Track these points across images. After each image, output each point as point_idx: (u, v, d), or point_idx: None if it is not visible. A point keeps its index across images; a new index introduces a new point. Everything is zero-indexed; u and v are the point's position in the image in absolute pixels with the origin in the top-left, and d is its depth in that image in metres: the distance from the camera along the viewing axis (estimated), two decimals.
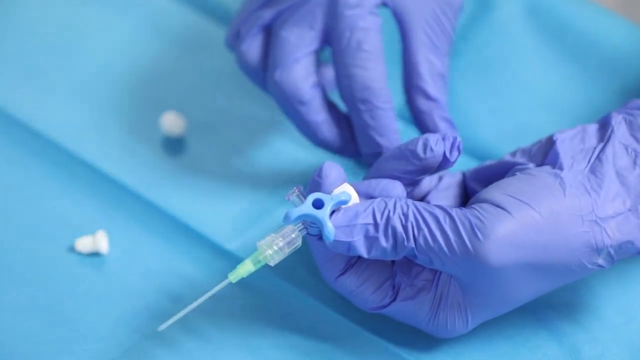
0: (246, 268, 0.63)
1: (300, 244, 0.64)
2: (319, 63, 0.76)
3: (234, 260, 0.74)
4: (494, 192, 0.63)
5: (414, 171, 0.66)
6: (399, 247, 0.63)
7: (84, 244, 0.75)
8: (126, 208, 0.77)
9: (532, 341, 0.69)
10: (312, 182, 0.64)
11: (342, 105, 0.76)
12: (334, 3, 0.73)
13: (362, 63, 0.72)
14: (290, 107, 0.74)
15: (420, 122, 0.74)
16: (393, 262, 0.66)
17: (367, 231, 0.63)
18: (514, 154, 0.68)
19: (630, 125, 0.65)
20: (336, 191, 0.63)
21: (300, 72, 0.73)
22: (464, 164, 0.77)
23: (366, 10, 0.73)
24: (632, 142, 0.65)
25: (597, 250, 0.62)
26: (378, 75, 0.72)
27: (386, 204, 0.63)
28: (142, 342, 0.71)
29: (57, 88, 0.84)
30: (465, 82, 0.83)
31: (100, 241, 0.75)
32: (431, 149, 0.65)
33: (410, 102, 0.75)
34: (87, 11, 0.88)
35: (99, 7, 0.88)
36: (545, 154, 0.66)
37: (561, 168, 0.64)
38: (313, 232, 0.64)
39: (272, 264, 0.64)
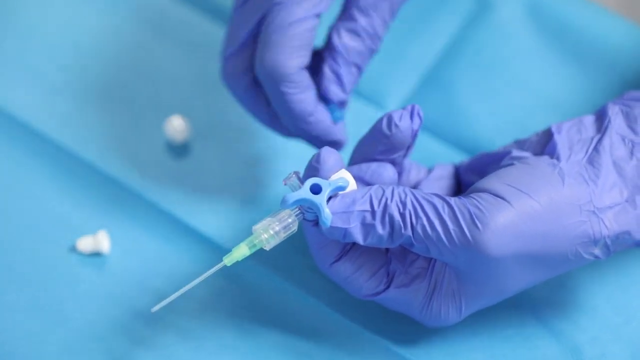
0: (241, 251, 0.63)
1: (296, 229, 0.63)
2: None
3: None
4: (493, 181, 0.63)
5: (386, 150, 0.66)
6: (395, 235, 0.62)
7: (85, 244, 0.74)
8: (127, 208, 0.77)
9: (531, 341, 0.70)
10: (310, 168, 0.63)
11: None
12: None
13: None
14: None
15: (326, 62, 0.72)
16: (387, 249, 0.66)
17: (364, 218, 0.62)
18: (509, 146, 0.68)
19: (627, 116, 0.66)
20: (334, 177, 0.63)
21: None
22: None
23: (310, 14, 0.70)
24: (629, 132, 0.65)
25: (594, 241, 0.62)
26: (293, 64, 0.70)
27: (384, 191, 0.63)
28: (142, 343, 0.70)
29: (58, 88, 0.83)
30: (465, 82, 0.83)
31: (101, 241, 0.74)
32: (395, 125, 0.65)
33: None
34: (88, 12, 0.87)
35: (101, 8, 0.87)
36: (542, 145, 0.66)
37: (559, 159, 0.64)
38: (309, 217, 0.63)
39: (267, 248, 0.63)
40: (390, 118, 0.65)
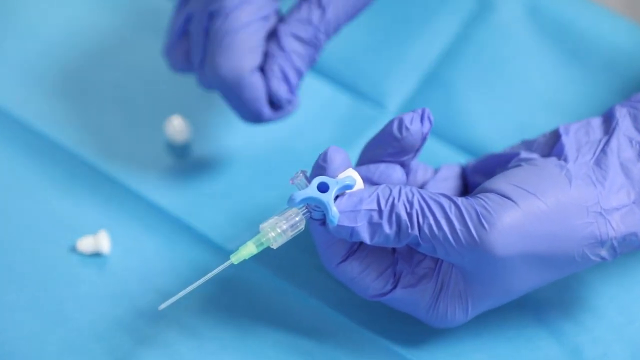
0: (248, 250, 0.63)
1: (303, 228, 0.63)
2: None
3: None
4: (499, 182, 0.63)
5: (395, 153, 0.66)
6: (402, 234, 0.62)
7: (85, 244, 0.74)
8: (128, 208, 0.76)
9: (533, 342, 0.70)
10: (317, 167, 0.63)
11: None
12: None
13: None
14: None
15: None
16: (394, 249, 0.66)
17: (371, 217, 0.62)
18: (517, 147, 0.68)
19: (635, 118, 0.66)
20: (341, 176, 0.63)
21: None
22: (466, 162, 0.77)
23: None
24: (637, 135, 0.65)
25: (601, 242, 0.62)
26: None
27: (391, 190, 0.63)
28: (143, 343, 0.70)
29: (58, 88, 0.82)
30: (466, 82, 0.83)
31: (101, 241, 0.74)
32: (406, 128, 0.65)
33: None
34: (88, 12, 0.87)
35: (101, 8, 0.87)
36: (550, 147, 0.66)
37: (566, 160, 0.64)
38: (316, 216, 0.63)
39: (274, 246, 0.63)
40: (401, 121, 0.65)
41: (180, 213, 0.76)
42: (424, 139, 0.65)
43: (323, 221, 0.63)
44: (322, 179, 0.62)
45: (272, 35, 0.72)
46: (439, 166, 0.71)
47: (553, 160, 0.64)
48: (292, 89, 0.73)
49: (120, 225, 0.75)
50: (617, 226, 0.62)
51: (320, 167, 0.63)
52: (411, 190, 0.63)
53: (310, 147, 0.79)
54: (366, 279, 0.65)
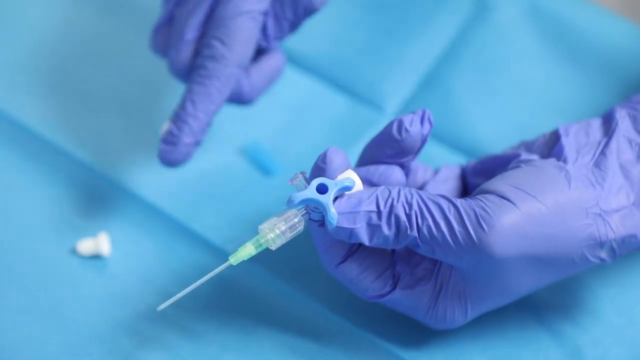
0: (247, 251, 0.62)
1: (302, 229, 0.63)
2: None
3: None
4: (498, 183, 0.63)
5: (395, 154, 0.66)
6: (401, 235, 0.62)
7: (85, 246, 0.74)
8: (127, 211, 0.76)
9: (533, 343, 0.70)
10: (316, 168, 0.63)
11: None
12: None
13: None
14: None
15: None
16: (393, 251, 0.66)
17: (370, 218, 0.62)
18: (516, 147, 0.68)
19: (635, 119, 0.66)
20: (340, 177, 0.63)
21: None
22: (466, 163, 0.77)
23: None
24: (636, 136, 0.65)
25: (600, 244, 0.62)
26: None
27: (390, 192, 0.62)
28: (143, 345, 0.70)
29: (58, 91, 0.82)
30: (465, 84, 0.83)
31: (102, 244, 0.74)
32: (406, 129, 0.65)
33: None
34: (87, 15, 0.87)
35: (100, 11, 0.87)
36: (549, 148, 0.66)
37: (566, 161, 0.64)
38: (315, 217, 0.63)
39: (273, 248, 0.63)
40: (401, 123, 0.65)
41: (180, 215, 0.76)
42: (423, 141, 0.65)
43: (322, 222, 0.63)
44: (321, 180, 0.62)
45: None
46: (438, 167, 0.71)
47: (552, 161, 0.64)
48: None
49: (120, 228, 0.75)
50: (616, 228, 0.62)
51: (320, 168, 0.63)
52: (410, 192, 0.63)
53: (310, 149, 0.79)
54: (365, 280, 0.65)
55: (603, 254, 0.63)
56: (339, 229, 0.62)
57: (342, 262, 0.65)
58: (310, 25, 0.83)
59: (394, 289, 0.65)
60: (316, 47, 0.85)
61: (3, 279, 0.73)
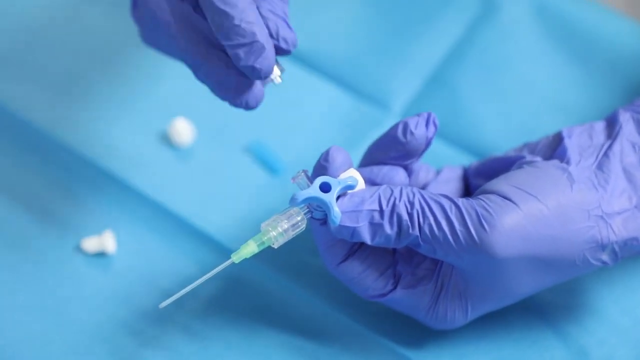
0: (249, 249, 0.62)
1: (305, 228, 0.63)
2: None
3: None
4: (501, 183, 0.63)
5: (399, 156, 0.66)
6: (403, 234, 0.62)
7: (90, 244, 0.74)
8: (132, 208, 0.77)
9: (538, 343, 0.70)
10: (318, 166, 0.63)
11: None
12: None
13: None
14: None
15: None
16: (394, 250, 0.66)
17: (372, 217, 0.62)
18: (519, 149, 0.68)
19: (638, 123, 0.66)
20: (343, 176, 0.63)
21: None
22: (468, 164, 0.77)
23: None
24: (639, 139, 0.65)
25: (602, 246, 0.62)
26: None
27: (392, 191, 0.63)
28: (147, 344, 0.70)
29: (64, 89, 0.83)
30: (471, 84, 0.83)
31: (106, 241, 0.74)
32: (411, 132, 0.65)
33: None
34: (92, 12, 0.87)
35: (105, 9, 0.87)
36: (553, 149, 0.66)
37: (569, 163, 0.64)
38: (318, 216, 0.63)
39: (275, 246, 0.63)
40: (406, 125, 0.65)
41: (184, 214, 0.76)
42: (428, 144, 0.65)
43: (324, 221, 0.63)
44: (325, 179, 0.62)
45: None
46: (441, 167, 0.71)
47: (555, 163, 0.64)
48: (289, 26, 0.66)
49: (125, 226, 0.76)
50: (618, 230, 0.62)
51: (322, 166, 0.63)
52: (412, 191, 0.63)
53: (314, 147, 0.79)
54: (366, 280, 0.65)
55: (605, 257, 0.63)
56: (342, 227, 0.62)
57: (344, 261, 0.65)
58: (316, 24, 0.83)
59: (395, 288, 0.65)
60: (322, 45, 0.85)
61: (7, 276, 0.73)
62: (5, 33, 0.86)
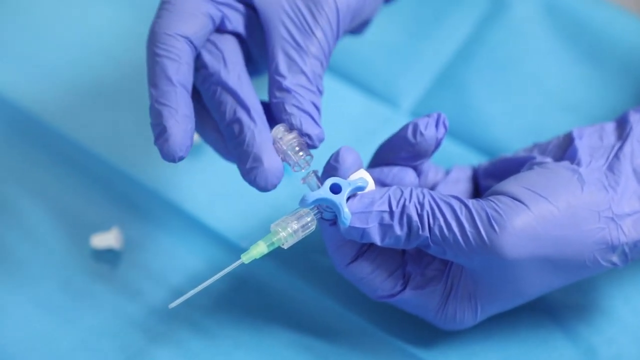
0: (259, 249, 0.63)
1: (314, 228, 0.63)
2: None
3: None
4: (511, 184, 0.63)
5: (409, 157, 0.66)
6: (413, 235, 0.62)
7: (99, 240, 0.74)
8: (141, 205, 0.77)
9: (547, 342, 0.70)
10: (328, 167, 0.63)
11: None
12: None
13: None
14: None
15: (274, 112, 0.66)
16: (404, 251, 0.66)
17: (382, 218, 0.62)
18: (529, 149, 0.68)
19: None
20: (353, 177, 0.63)
21: None
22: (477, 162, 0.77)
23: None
24: None
25: (612, 248, 0.62)
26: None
27: (402, 192, 0.63)
28: (155, 341, 0.70)
29: (73, 86, 0.83)
30: (480, 82, 0.82)
31: (115, 238, 0.74)
32: (421, 133, 0.65)
33: (269, 95, 0.67)
34: (100, 11, 0.87)
35: (112, 7, 0.87)
36: (563, 150, 0.66)
37: (579, 164, 0.64)
38: (327, 216, 0.63)
39: (285, 246, 0.63)
40: (416, 126, 0.65)
41: (193, 211, 0.76)
42: (438, 145, 0.65)
43: (334, 222, 0.63)
44: (335, 180, 0.62)
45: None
46: (451, 166, 0.71)
47: (566, 164, 0.64)
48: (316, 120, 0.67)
49: (133, 223, 0.76)
50: (628, 232, 0.62)
51: (332, 167, 0.63)
52: (422, 192, 0.63)
53: (323, 147, 0.79)
54: (375, 280, 0.65)
55: (615, 258, 0.63)
56: (352, 228, 0.62)
57: (353, 261, 0.65)
58: None
59: (404, 289, 0.65)
60: None
61: (15, 273, 0.73)
62: (21, 32, 0.86)
